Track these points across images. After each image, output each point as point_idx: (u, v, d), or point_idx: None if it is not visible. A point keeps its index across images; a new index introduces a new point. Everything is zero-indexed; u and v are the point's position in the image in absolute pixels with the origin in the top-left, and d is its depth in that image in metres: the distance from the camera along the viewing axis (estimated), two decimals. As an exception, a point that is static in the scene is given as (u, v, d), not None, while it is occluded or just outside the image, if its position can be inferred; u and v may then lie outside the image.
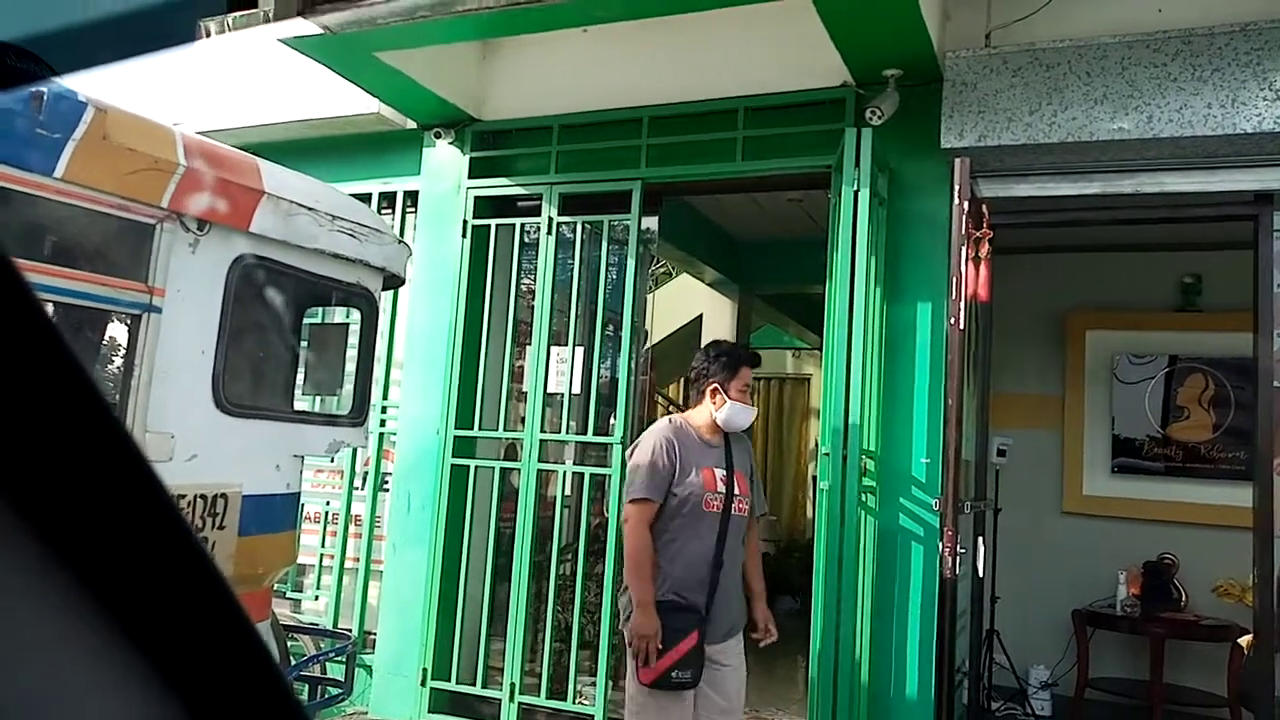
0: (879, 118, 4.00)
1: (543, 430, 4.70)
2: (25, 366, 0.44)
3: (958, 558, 3.55)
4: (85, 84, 2.57)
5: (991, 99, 3.91)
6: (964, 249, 3.67)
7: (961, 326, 3.62)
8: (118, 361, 2.86)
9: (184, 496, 2.81)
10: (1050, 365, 6.07)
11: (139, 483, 0.48)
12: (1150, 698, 5.02)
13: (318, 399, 4.33)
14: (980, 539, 4.26)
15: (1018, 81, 3.88)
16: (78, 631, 0.46)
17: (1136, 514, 5.67)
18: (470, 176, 4.99)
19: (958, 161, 3.71)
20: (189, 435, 2.85)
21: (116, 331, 2.93)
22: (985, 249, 3.88)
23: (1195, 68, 3.65)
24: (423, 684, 4.67)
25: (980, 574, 4.38)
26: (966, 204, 3.68)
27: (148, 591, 0.48)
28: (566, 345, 4.79)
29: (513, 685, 4.53)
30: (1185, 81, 3.66)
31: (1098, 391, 5.96)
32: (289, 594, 5.26)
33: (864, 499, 3.92)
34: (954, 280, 3.66)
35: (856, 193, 3.86)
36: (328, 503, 5.28)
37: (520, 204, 4.98)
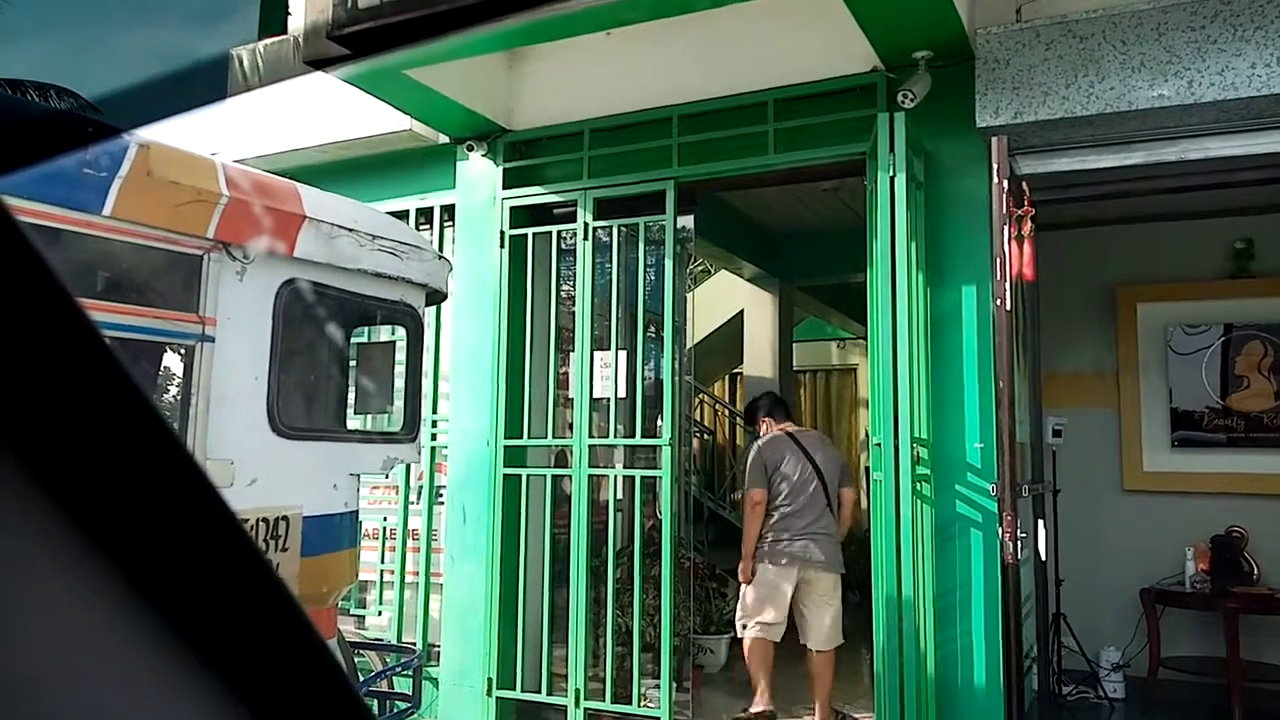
0: (911, 101, 3.96)
1: (591, 435, 4.71)
2: (92, 401, 0.45)
3: (1019, 542, 3.50)
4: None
5: (1025, 74, 3.84)
6: (1006, 228, 3.61)
7: (1008, 307, 3.56)
8: (174, 391, 2.92)
9: (247, 521, 2.86)
10: (1102, 341, 5.96)
11: (207, 509, 0.48)
12: (1228, 674, 4.89)
13: (370, 417, 4.39)
14: (1040, 522, 4.19)
15: (1051, 55, 3.81)
16: (155, 656, 0.47)
17: (1200, 488, 5.55)
18: (504, 187, 5.02)
19: (995, 140, 3.66)
20: (248, 460, 2.90)
21: (171, 362, 2.99)
22: (1028, 227, 3.81)
23: (1236, 27, 3.56)
24: (488, 693, 4.70)
25: (1043, 557, 4.30)
26: (1006, 182, 3.62)
27: (220, 613, 0.49)
28: (609, 349, 4.79)
29: (577, 691, 4.55)
30: (1226, 43, 3.57)
31: (1153, 365, 5.84)
32: (353, 611, 5.34)
33: (919, 488, 3.87)
34: (997, 261, 3.60)
35: (893, 178, 3.82)
36: (385, 518, 5.34)
37: (555, 211, 5.00)
